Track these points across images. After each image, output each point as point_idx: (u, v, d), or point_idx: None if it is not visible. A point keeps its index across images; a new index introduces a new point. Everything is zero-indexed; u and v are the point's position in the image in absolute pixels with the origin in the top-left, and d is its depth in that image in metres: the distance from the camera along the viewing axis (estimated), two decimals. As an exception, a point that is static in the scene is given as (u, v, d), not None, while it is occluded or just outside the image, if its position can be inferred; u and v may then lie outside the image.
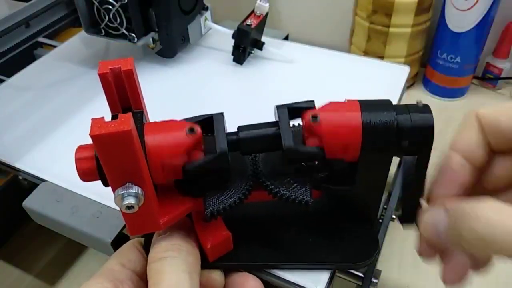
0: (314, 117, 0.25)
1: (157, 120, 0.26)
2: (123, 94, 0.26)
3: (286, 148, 0.25)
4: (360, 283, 0.34)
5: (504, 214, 0.20)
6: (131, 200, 0.22)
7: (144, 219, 0.25)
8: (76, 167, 0.24)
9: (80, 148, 0.25)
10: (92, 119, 0.21)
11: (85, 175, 0.24)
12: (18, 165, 0.40)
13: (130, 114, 0.21)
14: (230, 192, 0.27)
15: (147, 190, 0.23)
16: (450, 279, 0.27)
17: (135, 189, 0.23)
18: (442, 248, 0.26)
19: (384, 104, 0.25)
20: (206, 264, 0.28)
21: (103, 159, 0.22)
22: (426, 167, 0.26)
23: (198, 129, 0.25)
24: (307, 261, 0.30)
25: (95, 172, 0.24)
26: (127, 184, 0.23)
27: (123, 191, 0.22)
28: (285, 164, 0.26)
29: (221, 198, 0.27)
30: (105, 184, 0.24)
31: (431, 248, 0.27)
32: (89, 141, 0.25)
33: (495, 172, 0.26)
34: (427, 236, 0.25)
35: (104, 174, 0.22)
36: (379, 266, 0.36)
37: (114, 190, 0.23)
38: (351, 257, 0.30)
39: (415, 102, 0.26)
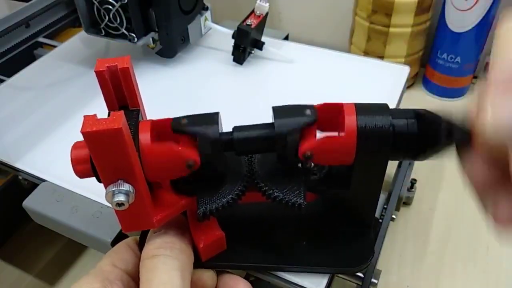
0: (308, 157, 0.25)
1: (154, 119, 0.26)
2: (119, 91, 0.26)
3: (281, 161, 0.25)
4: (360, 283, 0.34)
5: None
6: (121, 198, 0.22)
7: (137, 217, 0.25)
8: (72, 163, 0.25)
9: (77, 144, 0.25)
10: (85, 116, 0.21)
11: (80, 172, 0.25)
12: (18, 165, 0.40)
13: (122, 112, 0.21)
14: (224, 192, 0.27)
15: (139, 187, 0.23)
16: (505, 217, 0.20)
17: (126, 187, 0.23)
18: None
19: (380, 108, 0.25)
20: (198, 263, 0.28)
21: (94, 156, 0.22)
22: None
23: (197, 162, 0.25)
24: (301, 264, 0.30)
25: (89, 168, 0.24)
26: (119, 181, 0.23)
27: (114, 188, 0.22)
28: (278, 162, 0.26)
29: (214, 198, 0.26)
30: (99, 180, 0.24)
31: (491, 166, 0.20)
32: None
33: None
34: (497, 137, 0.17)
35: (96, 170, 0.23)
36: (379, 266, 0.36)
37: (106, 187, 0.23)
38: (345, 262, 0.30)
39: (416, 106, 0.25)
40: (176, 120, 0.25)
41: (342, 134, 0.25)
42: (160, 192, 0.27)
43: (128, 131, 0.22)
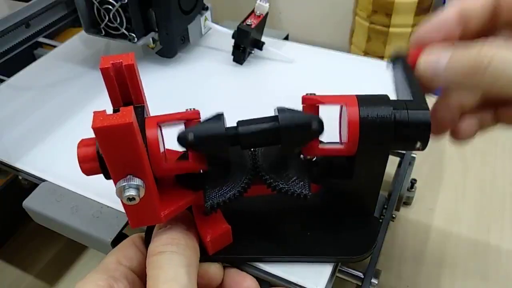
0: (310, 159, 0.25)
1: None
2: (124, 88, 0.26)
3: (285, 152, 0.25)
4: (360, 283, 0.34)
5: None
6: (132, 192, 0.23)
7: (145, 212, 0.25)
8: (79, 160, 0.25)
9: (83, 142, 0.25)
10: (94, 112, 0.21)
11: (87, 169, 0.25)
12: (18, 165, 0.40)
13: (131, 107, 0.21)
14: (229, 186, 0.27)
15: (148, 182, 0.24)
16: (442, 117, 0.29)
17: (136, 181, 0.23)
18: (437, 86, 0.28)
19: (382, 99, 0.26)
20: (205, 257, 0.28)
21: (104, 151, 0.22)
22: None
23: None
24: (306, 254, 0.30)
25: (97, 165, 0.24)
26: (129, 176, 0.23)
27: (125, 183, 0.23)
28: (282, 151, 0.27)
29: (220, 191, 0.27)
30: (107, 177, 0.24)
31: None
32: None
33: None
34: (426, 73, 0.26)
35: (106, 166, 0.23)
36: (379, 266, 0.36)
37: (115, 182, 0.23)
38: (349, 251, 0.30)
39: None
40: (183, 135, 0.25)
41: (344, 142, 0.26)
42: (166, 188, 0.27)
43: (137, 126, 0.22)
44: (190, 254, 0.26)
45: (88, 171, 0.25)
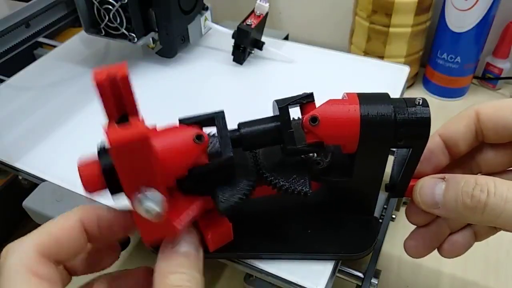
0: (313, 120, 0.25)
1: (157, 125, 0.26)
2: (119, 100, 0.25)
3: (288, 150, 0.26)
4: (360, 283, 0.34)
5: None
6: (156, 208, 0.22)
7: (158, 224, 0.24)
8: (83, 183, 0.24)
9: (82, 162, 0.24)
10: (104, 127, 0.21)
11: (91, 186, 0.24)
12: (18, 165, 0.40)
13: (142, 119, 0.21)
14: (240, 185, 0.27)
15: (162, 192, 0.23)
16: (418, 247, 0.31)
17: (158, 195, 0.22)
18: (432, 215, 0.29)
19: (382, 97, 0.26)
20: (206, 254, 0.28)
21: (120, 166, 0.21)
22: (418, 160, 0.27)
23: (205, 136, 0.25)
24: (306, 251, 0.31)
25: (103, 182, 0.23)
26: (144, 188, 0.22)
27: (143, 197, 0.22)
28: (283, 154, 0.27)
29: (231, 192, 0.27)
30: (113, 192, 0.24)
31: (422, 215, 0.29)
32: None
33: (486, 159, 0.29)
34: (424, 202, 0.27)
35: (112, 182, 0.22)
36: (379, 266, 0.36)
37: (129, 196, 0.22)
38: (349, 248, 0.31)
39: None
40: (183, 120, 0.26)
41: (345, 98, 0.26)
42: (172, 198, 0.26)
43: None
44: None
45: (93, 190, 0.24)
